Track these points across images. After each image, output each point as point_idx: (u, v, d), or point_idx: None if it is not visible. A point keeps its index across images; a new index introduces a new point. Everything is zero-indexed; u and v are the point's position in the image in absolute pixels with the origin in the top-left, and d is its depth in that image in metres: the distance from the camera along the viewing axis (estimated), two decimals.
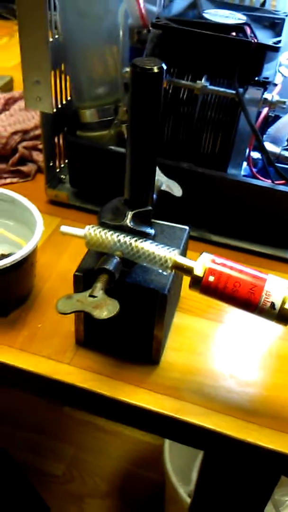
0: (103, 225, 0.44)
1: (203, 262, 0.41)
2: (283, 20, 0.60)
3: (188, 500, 0.94)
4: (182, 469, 1.03)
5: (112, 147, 0.61)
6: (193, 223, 0.63)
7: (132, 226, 0.43)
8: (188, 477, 1.06)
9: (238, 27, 0.55)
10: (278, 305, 0.39)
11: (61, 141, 0.67)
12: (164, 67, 0.38)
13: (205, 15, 0.58)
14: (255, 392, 0.48)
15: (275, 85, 0.63)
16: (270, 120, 0.61)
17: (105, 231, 0.43)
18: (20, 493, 1.06)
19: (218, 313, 0.55)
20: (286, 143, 0.64)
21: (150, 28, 0.58)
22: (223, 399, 0.47)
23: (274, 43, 0.53)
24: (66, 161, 0.68)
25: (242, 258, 0.62)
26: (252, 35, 0.54)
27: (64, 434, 1.29)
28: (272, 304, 0.39)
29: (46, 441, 1.27)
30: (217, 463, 0.54)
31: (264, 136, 0.64)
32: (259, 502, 0.56)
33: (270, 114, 0.59)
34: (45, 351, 0.49)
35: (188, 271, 0.41)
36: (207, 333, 0.53)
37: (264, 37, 0.57)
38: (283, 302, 0.39)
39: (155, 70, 0.37)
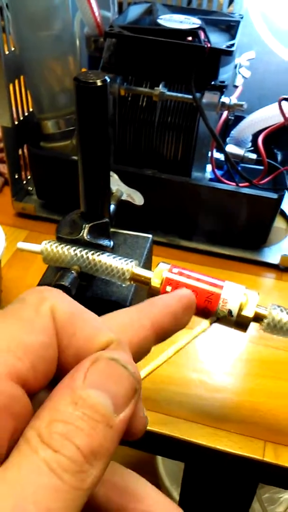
0: (60, 239, 0.43)
1: (160, 272, 0.41)
2: (238, 22, 0.59)
3: None
4: (175, 472, 1.03)
5: (75, 157, 0.60)
6: (161, 229, 0.63)
7: (89, 239, 0.43)
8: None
9: (192, 32, 0.55)
10: (235, 312, 0.39)
11: (25, 153, 0.66)
12: (108, 80, 0.37)
13: (160, 21, 0.57)
14: (224, 397, 0.48)
15: (236, 87, 0.63)
16: (231, 123, 0.61)
17: (62, 245, 0.42)
18: None
19: None
20: (250, 144, 0.64)
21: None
22: (193, 406, 0.47)
23: (227, 46, 0.53)
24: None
25: (212, 262, 0.62)
26: (206, 39, 0.54)
27: None
28: (230, 311, 0.39)
29: None
30: (195, 471, 0.54)
31: (228, 138, 0.64)
32: (240, 508, 0.56)
33: (230, 117, 0.59)
34: None
35: (146, 282, 0.41)
36: (176, 340, 0.53)
37: (219, 40, 0.57)
38: (240, 309, 0.39)
39: (99, 83, 0.37)
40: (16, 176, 0.66)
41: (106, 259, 0.42)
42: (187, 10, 0.62)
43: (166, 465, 1.01)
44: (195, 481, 0.55)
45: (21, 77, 0.61)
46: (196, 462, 0.49)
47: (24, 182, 0.68)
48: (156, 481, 1.06)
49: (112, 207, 0.47)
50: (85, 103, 0.38)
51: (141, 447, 0.48)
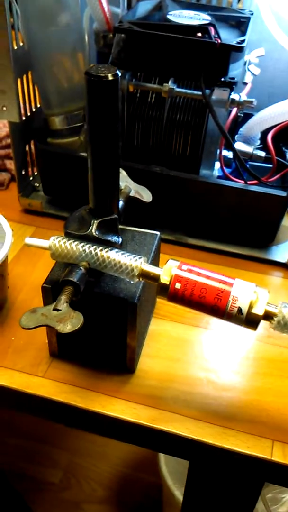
0: (68, 235, 0.43)
1: (170, 269, 0.40)
2: (249, 18, 0.59)
3: None
4: (178, 471, 1.02)
5: (83, 153, 0.60)
6: (169, 226, 0.63)
7: (97, 235, 0.43)
8: (185, 479, 1.05)
9: (202, 28, 0.54)
10: (245, 310, 0.38)
11: (32, 149, 0.66)
12: (119, 74, 0.37)
13: (169, 17, 0.57)
14: (232, 396, 0.48)
15: (246, 84, 0.62)
16: (240, 120, 0.60)
17: (70, 241, 0.42)
18: (2, 497, 1.05)
19: (195, 318, 0.54)
20: (258, 142, 0.63)
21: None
22: (200, 405, 0.47)
23: (238, 42, 0.53)
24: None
25: (219, 260, 0.62)
26: (216, 35, 0.53)
27: (59, 440, 1.29)
28: (239, 309, 0.39)
29: (41, 448, 1.26)
30: (200, 470, 0.53)
31: (237, 135, 0.64)
32: (245, 507, 0.55)
33: (239, 114, 0.58)
34: (19, 364, 0.49)
35: (155, 279, 0.41)
36: (184, 338, 0.53)
37: (229, 36, 0.56)
38: (250, 307, 0.38)
39: (110, 77, 0.37)
40: (23, 172, 0.66)
41: (115, 256, 0.41)
42: (197, 6, 0.62)
43: (169, 463, 1.01)
44: (200, 480, 0.55)
45: (29, 73, 0.61)
46: (203, 460, 0.48)
47: (31, 178, 0.68)
48: (157, 480, 1.06)
49: (120, 203, 0.46)
50: (96, 98, 0.37)
51: (148, 445, 0.48)
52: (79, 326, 0.37)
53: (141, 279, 0.42)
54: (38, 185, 0.68)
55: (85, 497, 1.18)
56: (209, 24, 0.55)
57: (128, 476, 1.22)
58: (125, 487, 1.21)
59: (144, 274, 0.41)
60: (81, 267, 0.41)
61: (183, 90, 0.56)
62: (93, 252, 0.41)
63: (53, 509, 1.15)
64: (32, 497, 1.13)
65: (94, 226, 0.43)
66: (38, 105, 0.64)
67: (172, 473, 1.01)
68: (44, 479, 1.20)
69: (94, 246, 0.42)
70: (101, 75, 0.36)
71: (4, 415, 1.29)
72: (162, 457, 1.02)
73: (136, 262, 0.41)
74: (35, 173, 0.68)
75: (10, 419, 1.29)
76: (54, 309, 0.38)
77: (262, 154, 0.62)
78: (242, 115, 0.59)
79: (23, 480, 1.17)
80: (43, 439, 1.27)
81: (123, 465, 1.24)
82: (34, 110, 0.64)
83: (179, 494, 0.96)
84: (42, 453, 1.25)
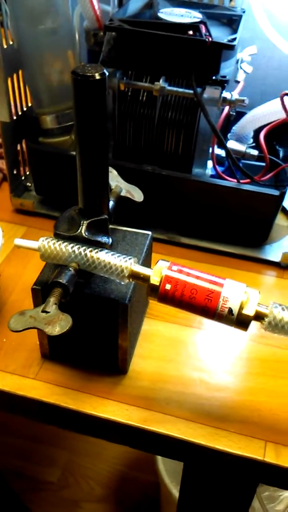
0: (58, 236, 0.43)
1: (160, 270, 0.40)
2: (240, 16, 0.59)
3: None
4: (175, 469, 1.02)
5: (73, 152, 0.60)
6: (161, 226, 0.63)
7: (87, 236, 0.42)
8: None
9: (193, 26, 0.54)
10: (235, 310, 0.38)
11: (24, 148, 0.66)
12: (107, 73, 0.37)
13: (160, 15, 0.56)
14: (225, 397, 0.47)
15: (238, 82, 0.62)
16: (232, 119, 0.60)
17: (60, 242, 0.42)
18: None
19: (188, 318, 0.54)
20: (251, 141, 0.63)
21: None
22: (192, 406, 0.46)
23: (229, 40, 0.52)
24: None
25: (212, 259, 0.61)
26: (207, 33, 0.53)
27: (56, 439, 1.29)
28: (230, 310, 0.38)
29: (39, 447, 1.26)
30: (194, 471, 0.53)
31: (229, 134, 0.63)
32: (240, 507, 0.55)
33: (231, 112, 0.58)
34: (10, 366, 0.49)
35: (145, 279, 0.40)
36: (176, 338, 0.52)
37: (220, 34, 0.56)
38: (241, 307, 0.38)
39: (97, 77, 0.36)
40: (15, 172, 0.65)
41: (105, 257, 0.41)
42: (188, 4, 0.62)
43: (166, 462, 1.01)
44: (195, 481, 0.55)
45: (20, 72, 0.60)
46: (196, 462, 0.48)
47: (23, 177, 0.68)
48: (155, 478, 1.06)
49: (111, 203, 0.46)
50: (83, 97, 0.37)
51: (140, 447, 0.48)
52: (67, 328, 0.36)
53: (131, 280, 0.41)
54: (30, 184, 0.67)
55: (84, 495, 1.18)
56: (200, 22, 0.55)
57: (126, 474, 1.22)
58: (123, 486, 1.21)
59: (134, 275, 0.41)
60: (70, 268, 0.40)
61: (175, 89, 0.56)
62: (83, 253, 0.41)
63: (52, 508, 1.15)
64: (31, 496, 1.13)
65: (84, 227, 0.42)
66: (30, 104, 0.64)
67: (170, 471, 1.01)
68: (42, 478, 1.20)
69: (84, 247, 0.41)
70: (88, 74, 0.36)
71: (0, 415, 1.29)
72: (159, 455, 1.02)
73: (126, 263, 0.41)
74: (27, 173, 0.68)
75: (7, 418, 1.29)
76: (43, 311, 0.38)
77: (255, 152, 0.61)
78: (234, 113, 0.58)
79: (21, 480, 1.17)
80: (41, 438, 1.27)
81: (121, 464, 1.24)
82: (25, 109, 0.63)
83: (176, 493, 0.96)
84: (40, 452, 1.25)
